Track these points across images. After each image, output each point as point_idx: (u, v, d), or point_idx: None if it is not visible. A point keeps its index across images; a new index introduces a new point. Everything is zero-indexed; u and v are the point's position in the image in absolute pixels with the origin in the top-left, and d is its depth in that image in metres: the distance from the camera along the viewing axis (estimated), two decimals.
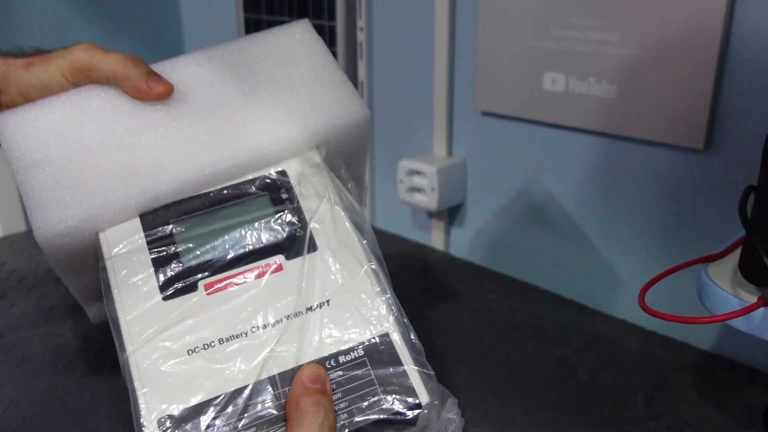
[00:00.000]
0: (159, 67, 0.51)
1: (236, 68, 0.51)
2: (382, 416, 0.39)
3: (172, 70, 0.50)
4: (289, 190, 0.47)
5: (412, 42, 0.91)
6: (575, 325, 0.76)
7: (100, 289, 0.44)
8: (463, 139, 0.89)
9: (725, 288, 0.46)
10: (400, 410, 0.39)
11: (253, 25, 1.14)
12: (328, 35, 0.99)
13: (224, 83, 0.50)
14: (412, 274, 0.88)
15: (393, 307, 0.43)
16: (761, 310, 0.43)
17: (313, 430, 0.37)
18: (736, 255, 0.49)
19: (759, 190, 0.43)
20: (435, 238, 0.95)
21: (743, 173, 0.64)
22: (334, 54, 0.99)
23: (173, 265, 0.43)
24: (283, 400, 0.39)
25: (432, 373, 0.42)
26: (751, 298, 0.43)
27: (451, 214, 0.93)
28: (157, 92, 0.48)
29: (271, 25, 1.09)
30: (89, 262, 0.47)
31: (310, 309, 0.42)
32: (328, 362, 0.40)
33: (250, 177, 0.47)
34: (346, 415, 0.39)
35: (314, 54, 0.53)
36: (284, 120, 0.49)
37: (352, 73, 0.99)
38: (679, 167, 0.68)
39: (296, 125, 0.49)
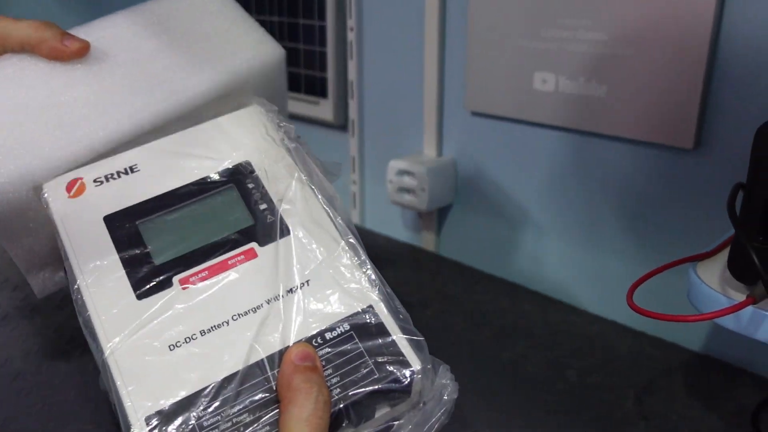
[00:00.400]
0: (75, 31, 0.52)
1: (151, 26, 0.53)
2: (376, 386, 0.39)
3: (88, 32, 0.52)
4: (255, 177, 0.46)
5: (402, 42, 0.90)
6: (565, 326, 0.76)
7: (45, 255, 0.44)
8: (453, 140, 0.88)
9: (714, 287, 0.46)
10: (394, 378, 0.39)
11: None
12: (318, 35, 0.99)
13: (140, 39, 0.52)
14: (401, 275, 0.88)
15: (375, 279, 0.42)
16: (750, 308, 0.43)
17: (307, 406, 0.37)
18: (724, 254, 0.49)
19: (747, 188, 0.43)
20: (425, 239, 0.95)
21: (732, 173, 0.64)
22: (324, 54, 0.99)
23: (144, 265, 0.42)
24: (273, 383, 0.39)
25: (422, 339, 0.41)
26: (740, 297, 0.43)
27: (441, 214, 0.93)
28: (73, 49, 0.48)
29: (260, 24, 1.09)
30: (30, 223, 0.46)
31: (290, 291, 0.42)
32: (314, 340, 0.40)
33: (212, 174, 0.47)
34: (339, 390, 0.39)
35: (224, 6, 0.57)
36: (202, 66, 0.51)
37: (342, 73, 0.99)
38: (668, 167, 0.68)
39: (214, 69, 0.52)
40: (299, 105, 1.07)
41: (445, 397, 0.41)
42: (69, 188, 0.45)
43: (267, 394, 0.38)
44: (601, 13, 0.68)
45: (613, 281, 0.77)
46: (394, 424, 0.40)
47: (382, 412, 0.40)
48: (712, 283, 0.46)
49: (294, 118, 1.11)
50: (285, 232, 0.44)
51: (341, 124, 1.02)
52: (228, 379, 0.38)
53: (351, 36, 0.96)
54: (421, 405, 0.41)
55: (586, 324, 0.76)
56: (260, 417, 0.37)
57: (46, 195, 0.45)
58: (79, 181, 0.46)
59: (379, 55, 0.95)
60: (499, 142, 0.83)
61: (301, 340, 0.40)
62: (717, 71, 0.63)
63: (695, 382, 0.65)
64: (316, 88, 1.02)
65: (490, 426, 0.59)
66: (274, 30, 1.07)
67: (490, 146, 0.84)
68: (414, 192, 0.87)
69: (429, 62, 0.86)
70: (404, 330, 0.41)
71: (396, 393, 0.40)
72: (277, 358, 0.39)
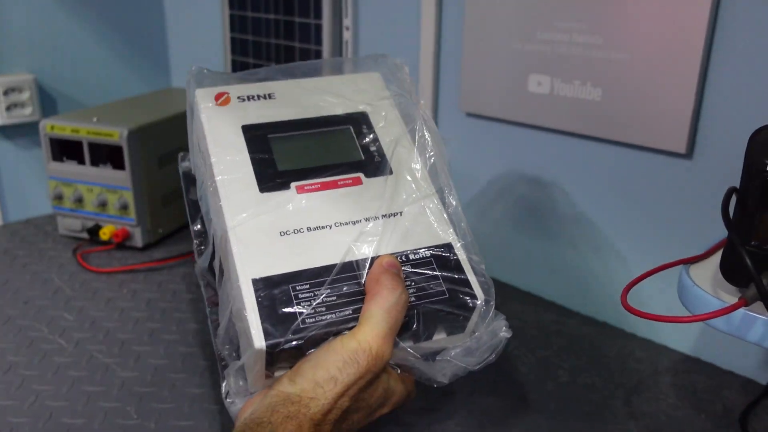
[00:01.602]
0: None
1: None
2: (445, 305, 0.46)
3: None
4: (370, 124, 0.55)
5: (397, 42, 0.91)
6: (556, 326, 0.76)
7: None
8: (448, 141, 0.89)
9: (706, 289, 0.46)
10: (460, 303, 0.47)
11: (238, 23, 1.13)
12: (313, 34, 0.99)
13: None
14: None
15: (462, 222, 0.50)
16: (741, 311, 0.43)
17: (390, 300, 0.44)
18: (716, 257, 0.49)
19: (741, 193, 0.44)
20: None
21: (725, 178, 0.64)
22: (320, 52, 0.99)
23: (269, 167, 0.51)
24: (362, 280, 0.46)
25: (490, 281, 0.49)
26: (731, 299, 0.43)
27: None
28: None
29: (256, 22, 1.09)
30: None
31: (386, 216, 0.49)
32: (399, 257, 0.47)
33: (335, 113, 0.56)
34: (414, 299, 0.46)
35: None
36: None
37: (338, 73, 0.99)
38: (661, 171, 0.69)
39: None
40: None
41: (499, 335, 0.48)
42: (217, 98, 0.54)
43: (356, 287, 0.45)
44: (597, 17, 0.69)
45: (604, 283, 0.77)
46: (447, 348, 0.48)
47: (439, 336, 0.48)
48: (704, 285, 0.47)
49: None
50: (389, 171, 0.52)
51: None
52: (326, 268, 0.45)
53: (347, 35, 0.96)
54: (476, 334, 0.48)
55: (576, 325, 0.77)
56: (347, 303, 0.45)
57: (197, 99, 0.54)
58: (226, 95, 0.55)
59: None
60: (494, 144, 0.84)
61: (388, 253, 0.47)
62: (710, 77, 0.64)
63: (684, 383, 0.66)
64: None
65: (481, 425, 0.60)
66: (269, 28, 1.07)
67: (484, 147, 0.85)
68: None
69: (424, 63, 0.87)
70: (476, 270, 0.49)
71: (460, 318, 0.47)
72: (369, 263, 0.46)
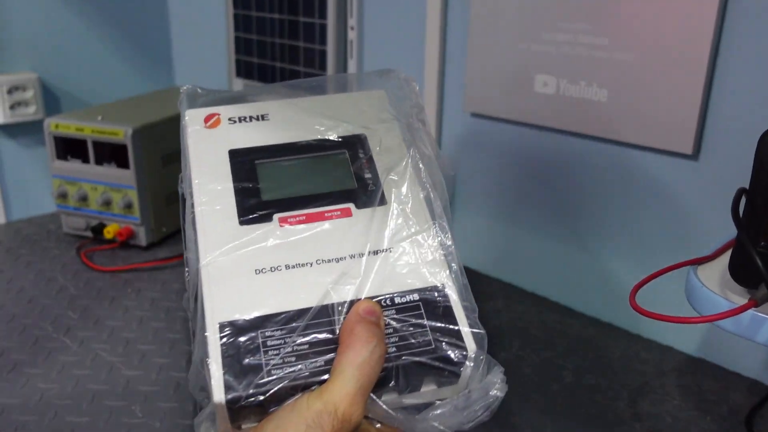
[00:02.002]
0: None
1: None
2: (428, 358, 0.41)
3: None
4: (367, 148, 0.51)
5: (402, 42, 0.91)
6: (561, 327, 0.76)
7: None
8: (453, 141, 0.89)
9: (714, 290, 0.46)
10: (447, 357, 0.41)
11: (242, 22, 1.13)
12: (318, 33, 0.99)
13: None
14: None
15: (454, 264, 0.46)
16: (750, 312, 0.43)
17: (363, 353, 0.39)
18: (724, 258, 0.49)
19: (750, 193, 0.44)
20: None
21: (731, 179, 0.65)
22: (324, 52, 0.99)
23: (253, 198, 0.48)
24: (338, 326, 0.42)
25: (483, 332, 0.44)
26: (740, 300, 0.43)
27: None
28: None
29: (260, 22, 1.09)
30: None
31: (374, 252, 0.45)
32: (383, 301, 0.43)
33: (330, 137, 0.52)
34: (394, 350, 0.41)
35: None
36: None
37: (341, 72, 0.99)
38: (667, 172, 0.69)
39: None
40: None
41: (492, 392, 0.43)
42: (207, 120, 0.52)
43: (330, 335, 0.42)
44: (603, 18, 0.69)
45: (609, 284, 0.77)
46: (436, 402, 0.43)
47: (428, 388, 0.43)
48: (713, 286, 0.47)
49: None
50: (383, 201, 0.48)
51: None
52: (300, 312, 0.42)
53: (351, 35, 0.96)
54: (467, 391, 0.43)
55: (581, 326, 0.77)
56: (319, 353, 0.41)
57: (186, 120, 0.52)
58: (216, 116, 0.52)
59: (380, 55, 0.95)
60: (498, 144, 0.84)
61: (371, 296, 0.43)
62: (717, 78, 0.64)
63: (689, 384, 0.66)
64: None
65: (485, 426, 0.60)
66: (274, 27, 1.07)
67: (488, 147, 0.85)
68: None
69: (429, 63, 0.87)
70: (469, 319, 0.44)
71: (446, 373, 0.42)
72: (347, 307, 0.43)
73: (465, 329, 0.42)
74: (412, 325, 0.42)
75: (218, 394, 0.39)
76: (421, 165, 0.50)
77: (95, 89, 1.20)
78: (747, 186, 0.44)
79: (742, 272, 0.44)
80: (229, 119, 0.53)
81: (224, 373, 0.40)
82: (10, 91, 1.08)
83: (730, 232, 0.49)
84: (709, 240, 0.57)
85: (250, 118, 0.53)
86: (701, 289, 0.46)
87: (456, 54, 0.85)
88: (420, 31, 0.87)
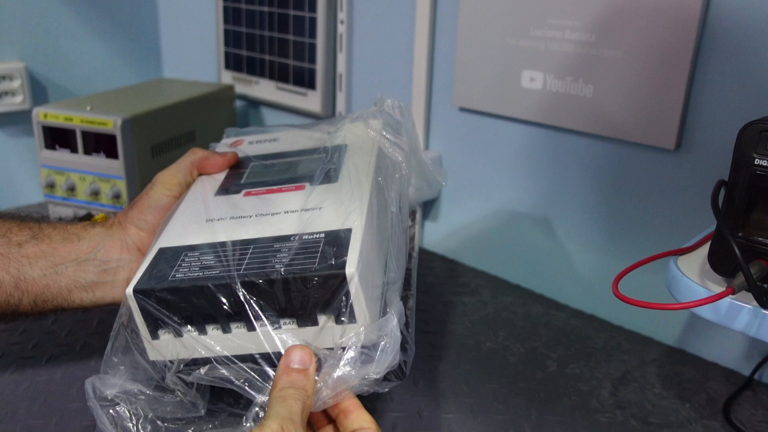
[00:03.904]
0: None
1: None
2: (309, 271, 0.44)
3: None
4: (342, 152, 0.60)
5: (392, 36, 0.91)
6: (545, 318, 0.78)
7: None
8: (440, 135, 0.90)
9: (694, 279, 0.48)
10: (328, 274, 0.44)
11: (232, 15, 1.13)
12: (308, 26, 1.00)
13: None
14: None
15: (364, 214, 0.49)
16: (728, 300, 0.45)
17: (293, 409, 0.41)
18: (704, 249, 0.51)
19: (729, 185, 0.45)
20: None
21: (712, 173, 0.66)
22: (314, 45, 0.99)
23: (234, 181, 0.59)
24: (247, 256, 0.47)
25: (355, 271, 0.44)
26: (718, 289, 0.44)
27: (425, 208, 0.94)
28: (229, 158, 0.63)
29: (250, 14, 1.09)
30: None
31: (304, 210, 0.51)
32: (293, 237, 0.48)
33: (320, 146, 0.62)
34: (283, 266, 0.45)
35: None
36: None
37: (331, 65, 1.00)
38: (650, 166, 0.70)
39: None
40: (287, 96, 1.07)
41: (389, 328, 0.45)
42: (234, 144, 0.68)
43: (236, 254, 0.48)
44: (590, 14, 0.70)
45: (593, 276, 0.79)
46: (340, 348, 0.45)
47: (325, 321, 0.45)
48: (692, 275, 0.48)
49: (281, 108, 1.11)
50: (333, 180, 0.55)
51: (329, 116, 1.03)
52: (220, 244, 0.49)
53: (341, 28, 0.97)
54: (361, 329, 0.45)
55: (566, 317, 0.78)
56: (221, 266, 0.46)
57: (222, 142, 0.69)
58: (241, 140, 0.69)
59: (369, 49, 0.96)
60: (486, 139, 0.85)
61: (282, 235, 0.48)
62: (699, 75, 0.65)
63: (669, 374, 0.68)
64: (304, 80, 1.03)
65: (472, 412, 0.61)
66: (263, 20, 1.07)
67: (476, 142, 0.86)
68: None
69: (418, 57, 0.88)
70: (362, 256, 0.45)
71: (335, 301, 0.44)
72: (264, 239, 0.48)
73: (353, 258, 0.44)
74: (308, 252, 0.46)
75: (129, 288, 0.46)
76: (378, 179, 0.56)
77: (83, 80, 1.20)
78: (726, 178, 0.46)
79: (720, 261, 0.46)
80: (249, 142, 0.68)
81: (142, 276, 0.46)
82: None
83: (710, 224, 0.50)
84: (690, 233, 0.59)
85: (265, 140, 0.68)
86: (681, 278, 0.48)
87: (445, 48, 0.86)
88: (409, 26, 0.88)
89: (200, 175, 0.62)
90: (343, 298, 0.44)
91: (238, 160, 0.63)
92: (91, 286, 0.56)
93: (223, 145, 0.67)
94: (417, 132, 0.67)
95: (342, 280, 0.43)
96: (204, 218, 0.53)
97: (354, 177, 0.55)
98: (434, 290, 0.83)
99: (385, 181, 0.57)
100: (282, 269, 0.44)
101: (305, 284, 0.44)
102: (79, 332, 0.70)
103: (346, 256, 0.44)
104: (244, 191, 0.57)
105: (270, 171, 0.60)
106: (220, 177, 0.61)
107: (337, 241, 0.46)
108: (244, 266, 0.45)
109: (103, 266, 0.56)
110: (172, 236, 0.51)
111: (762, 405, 0.63)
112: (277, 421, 0.40)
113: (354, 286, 0.43)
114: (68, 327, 0.71)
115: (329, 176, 0.56)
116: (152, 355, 0.47)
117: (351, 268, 0.43)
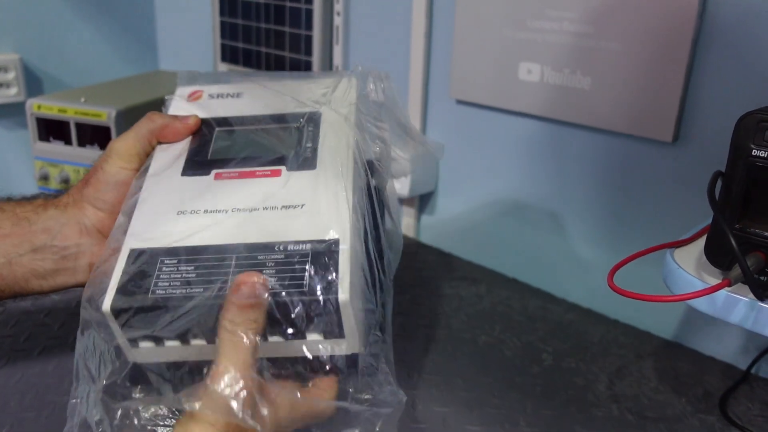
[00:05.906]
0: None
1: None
2: (298, 295, 0.43)
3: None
4: (317, 123, 0.55)
5: (389, 28, 0.91)
6: (541, 312, 0.77)
7: None
8: (437, 127, 0.89)
9: (690, 271, 0.47)
10: (318, 299, 0.43)
11: (228, 6, 1.13)
12: (304, 18, 0.99)
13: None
14: None
15: (354, 221, 0.47)
16: (724, 293, 0.44)
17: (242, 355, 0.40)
18: (700, 242, 0.50)
19: (726, 177, 0.45)
20: (405, 225, 0.96)
21: (709, 166, 0.65)
22: (310, 37, 0.99)
23: (201, 156, 0.54)
24: (231, 263, 0.45)
25: (347, 297, 0.43)
26: (715, 281, 0.44)
27: (422, 201, 0.94)
28: (190, 123, 0.56)
29: (246, 6, 1.08)
30: None
31: (284, 207, 0.48)
32: (278, 246, 0.45)
33: (289, 113, 0.56)
34: (273, 285, 0.43)
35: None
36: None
37: (327, 58, 0.99)
38: (647, 159, 0.70)
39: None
40: None
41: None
42: (191, 95, 0.60)
43: (217, 270, 0.45)
44: (588, 6, 0.69)
45: (589, 270, 0.78)
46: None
47: (313, 336, 0.44)
48: (689, 268, 0.48)
49: None
50: (311, 167, 0.51)
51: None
52: (201, 249, 0.46)
53: (338, 20, 0.96)
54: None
55: (562, 311, 0.78)
56: (205, 282, 0.44)
57: (175, 94, 0.60)
58: (199, 93, 0.60)
59: (366, 41, 0.95)
60: (483, 131, 0.84)
61: (263, 242, 0.45)
62: (697, 67, 0.65)
63: (665, 368, 0.67)
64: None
65: (468, 405, 0.61)
66: (259, 11, 1.07)
67: (473, 134, 0.85)
68: (396, 178, 0.88)
69: (415, 49, 0.87)
70: (353, 276, 0.44)
71: (326, 320, 0.43)
72: (242, 248, 0.45)
73: (345, 283, 0.43)
74: (296, 269, 0.44)
75: (105, 304, 0.44)
76: (357, 149, 0.53)
77: (78, 72, 1.19)
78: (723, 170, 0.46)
79: (717, 253, 0.46)
80: (210, 95, 0.60)
81: (117, 288, 0.44)
82: None
83: (707, 217, 0.50)
84: (687, 225, 0.58)
85: (227, 95, 0.60)
86: (677, 270, 0.48)
87: (442, 40, 0.85)
88: (406, 18, 0.88)
89: (159, 143, 0.56)
90: (334, 317, 0.43)
91: (200, 125, 0.57)
92: (51, 273, 0.52)
93: (180, 99, 0.60)
94: (398, 100, 0.61)
95: (334, 304, 0.43)
96: (174, 209, 0.49)
97: (332, 165, 0.51)
98: (430, 284, 0.83)
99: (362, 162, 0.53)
100: (269, 296, 0.42)
101: (294, 307, 0.43)
102: (72, 325, 0.70)
103: (338, 278, 0.43)
104: (214, 172, 0.52)
105: (239, 143, 0.55)
106: (182, 146, 0.55)
107: (326, 256, 0.44)
108: (229, 285, 0.43)
109: (62, 252, 0.52)
110: (141, 232, 0.47)
111: (759, 399, 0.63)
112: (231, 367, 0.40)
113: (346, 310, 0.43)
114: (61, 319, 0.70)
115: (307, 161, 0.52)
116: (131, 357, 0.46)
117: (344, 295, 0.42)
